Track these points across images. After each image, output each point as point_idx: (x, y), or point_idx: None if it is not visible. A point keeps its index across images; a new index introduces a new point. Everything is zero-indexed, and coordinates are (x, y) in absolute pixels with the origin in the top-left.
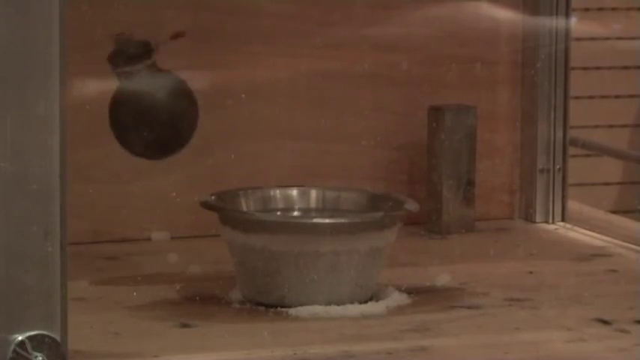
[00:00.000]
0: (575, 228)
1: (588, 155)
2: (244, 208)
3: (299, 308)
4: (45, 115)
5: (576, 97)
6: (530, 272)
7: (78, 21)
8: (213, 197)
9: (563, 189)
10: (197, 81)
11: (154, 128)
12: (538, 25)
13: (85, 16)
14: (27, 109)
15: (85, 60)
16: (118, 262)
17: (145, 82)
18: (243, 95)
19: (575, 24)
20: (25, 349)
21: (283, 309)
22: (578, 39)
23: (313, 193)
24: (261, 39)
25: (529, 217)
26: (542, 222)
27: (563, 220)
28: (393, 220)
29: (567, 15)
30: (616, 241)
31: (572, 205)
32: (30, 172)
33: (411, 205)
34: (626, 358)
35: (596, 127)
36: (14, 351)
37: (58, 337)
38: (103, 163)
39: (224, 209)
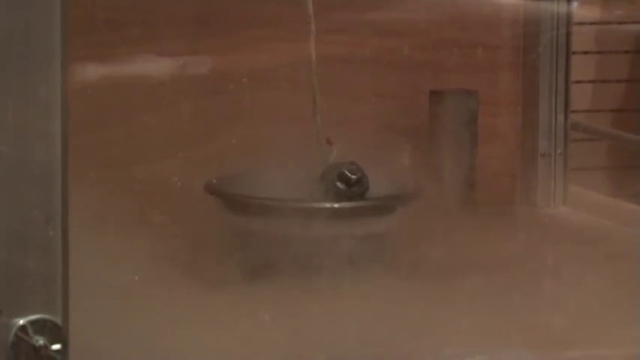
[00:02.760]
0: (576, 212)
1: (590, 140)
2: (246, 192)
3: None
4: (46, 100)
5: (577, 82)
6: (531, 255)
7: (79, 5)
8: (215, 181)
9: (565, 173)
10: (198, 65)
11: None
12: (539, 10)
13: (86, 0)
14: (28, 93)
15: (87, 44)
16: None
17: None
18: (244, 79)
19: (577, 8)
20: (27, 334)
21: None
22: (579, 23)
23: (315, 177)
24: (262, 23)
25: (530, 202)
26: (543, 206)
27: (564, 204)
28: (394, 204)
29: None
30: (617, 224)
31: (574, 189)
32: (31, 157)
33: (412, 190)
34: (626, 341)
35: (598, 111)
36: (16, 335)
37: (59, 322)
38: (103, 148)
39: (227, 193)
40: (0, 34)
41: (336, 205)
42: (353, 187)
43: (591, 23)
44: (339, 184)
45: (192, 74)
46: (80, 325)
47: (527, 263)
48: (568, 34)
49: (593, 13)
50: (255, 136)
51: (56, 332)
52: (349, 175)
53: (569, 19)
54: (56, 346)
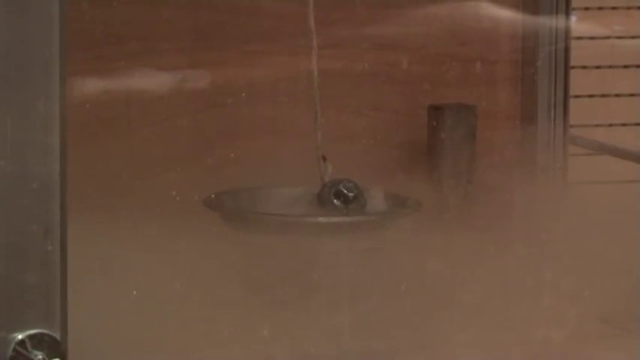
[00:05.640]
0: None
1: (588, 154)
2: (246, 207)
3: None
4: (45, 114)
5: (576, 96)
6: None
7: (78, 19)
8: (213, 196)
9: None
10: (197, 79)
11: None
12: (538, 24)
13: (85, 14)
14: (27, 107)
15: (85, 58)
16: None
17: None
18: (243, 94)
19: (575, 23)
20: (25, 348)
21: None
22: (578, 38)
23: (313, 192)
24: (261, 38)
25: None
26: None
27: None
28: (394, 219)
29: (567, 14)
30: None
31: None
32: (30, 170)
33: (412, 204)
34: None
35: (597, 125)
36: (14, 350)
37: (57, 336)
38: (102, 162)
39: (226, 208)
40: None
41: (334, 220)
42: (350, 204)
43: (590, 38)
44: (336, 201)
45: (191, 88)
46: (79, 339)
47: (527, 277)
48: (567, 49)
49: (591, 27)
50: (253, 150)
51: (55, 347)
52: (346, 192)
53: (567, 34)
54: None
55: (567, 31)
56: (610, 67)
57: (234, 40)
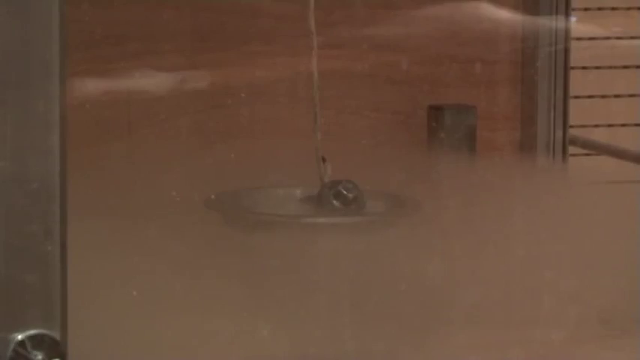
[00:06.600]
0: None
1: (588, 154)
2: (246, 208)
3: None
4: (45, 114)
5: (576, 97)
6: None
7: (78, 20)
8: (214, 197)
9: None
10: (197, 80)
11: None
12: (538, 25)
13: (85, 14)
14: (27, 108)
15: (85, 59)
16: None
17: None
18: (243, 94)
19: (575, 23)
20: (25, 349)
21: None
22: (577, 38)
23: (313, 193)
24: (260, 38)
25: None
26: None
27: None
28: (393, 219)
29: (567, 14)
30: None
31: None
32: (30, 171)
33: (411, 205)
34: None
35: (596, 126)
36: (14, 350)
37: (57, 337)
38: (101, 163)
39: (226, 208)
40: None
41: (334, 221)
42: (349, 205)
43: (590, 38)
44: (335, 202)
45: (191, 89)
46: (78, 340)
47: (527, 278)
48: (566, 50)
49: (591, 28)
50: (253, 150)
51: (55, 347)
52: (345, 193)
53: (567, 35)
54: None
55: (567, 31)
56: (610, 67)
57: (234, 40)
